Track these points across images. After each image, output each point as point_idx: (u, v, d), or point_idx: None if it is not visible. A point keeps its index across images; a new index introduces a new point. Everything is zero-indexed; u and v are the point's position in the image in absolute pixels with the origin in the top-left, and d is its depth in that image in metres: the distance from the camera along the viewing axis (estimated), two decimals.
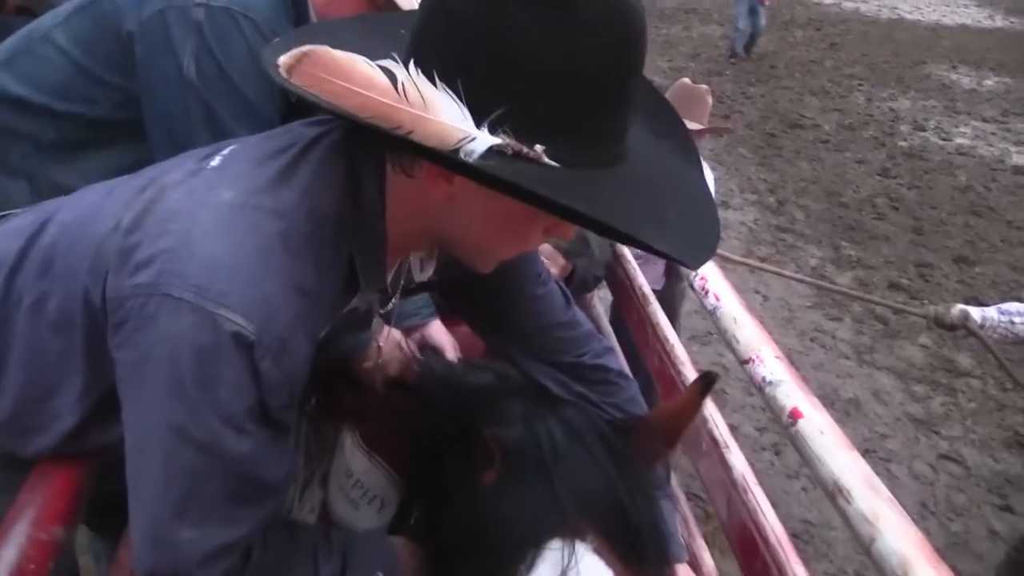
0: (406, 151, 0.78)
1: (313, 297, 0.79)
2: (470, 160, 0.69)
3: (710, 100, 3.11)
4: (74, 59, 1.37)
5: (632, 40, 0.74)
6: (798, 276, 4.03)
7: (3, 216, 1.07)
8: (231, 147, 0.88)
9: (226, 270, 0.74)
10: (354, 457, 1.41)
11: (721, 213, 6.51)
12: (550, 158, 0.72)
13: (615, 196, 0.75)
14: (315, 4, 1.43)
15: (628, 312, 1.99)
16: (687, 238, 0.78)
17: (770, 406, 1.21)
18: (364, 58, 0.72)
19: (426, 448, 1.03)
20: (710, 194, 0.89)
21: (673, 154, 0.86)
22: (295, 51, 0.72)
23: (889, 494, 1.03)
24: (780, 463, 3.76)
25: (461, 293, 1.13)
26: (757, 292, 5.27)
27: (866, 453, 3.82)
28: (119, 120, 1.41)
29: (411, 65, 0.71)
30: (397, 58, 0.72)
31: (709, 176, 3.11)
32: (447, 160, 0.71)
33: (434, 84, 0.70)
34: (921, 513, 3.52)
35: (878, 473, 3.91)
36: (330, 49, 0.72)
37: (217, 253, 0.74)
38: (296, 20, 1.42)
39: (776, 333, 4.73)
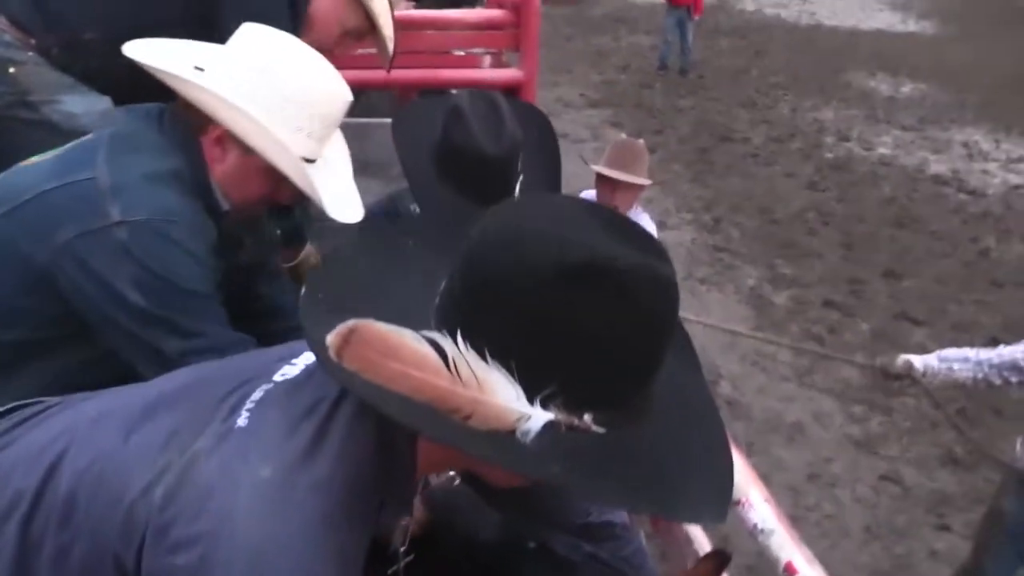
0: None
1: (353, 556, 0.79)
2: (527, 440, 0.71)
3: (647, 156, 3.23)
4: None
5: (673, 312, 0.77)
6: (762, 336, 4.12)
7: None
8: (256, 396, 0.86)
9: (271, 559, 0.73)
10: None
11: (659, 234, 6.61)
12: (597, 424, 0.74)
13: (645, 469, 0.77)
14: (219, 183, 1.36)
15: None
16: (707, 491, 0.81)
17: (765, 555, 1.24)
18: (410, 332, 0.73)
19: None
20: (719, 419, 0.91)
21: (680, 367, 0.89)
22: (341, 330, 0.72)
23: None
24: None
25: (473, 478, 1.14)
26: (698, 315, 5.38)
27: (811, 479, 3.97)
28: (42, 338, 1.29)
29: (459, 339, 0.73)
30: (443, 331, 0.74)
31: (652, 228, 3.21)
32: (495, 453, 0.72)
33: (486, 361, 0.72)
34: (866, 537, 3.65)
35: (824, 498, 4.09)
36: (374, 324, 0.72)
37: (261, 540, 0.73)
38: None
39: (719, 358, 4.88)
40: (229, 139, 1.29)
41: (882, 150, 9.14)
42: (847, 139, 9.43)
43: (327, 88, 1.35)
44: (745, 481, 1.24)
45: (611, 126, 9.09)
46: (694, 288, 5.79)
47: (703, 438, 0.85)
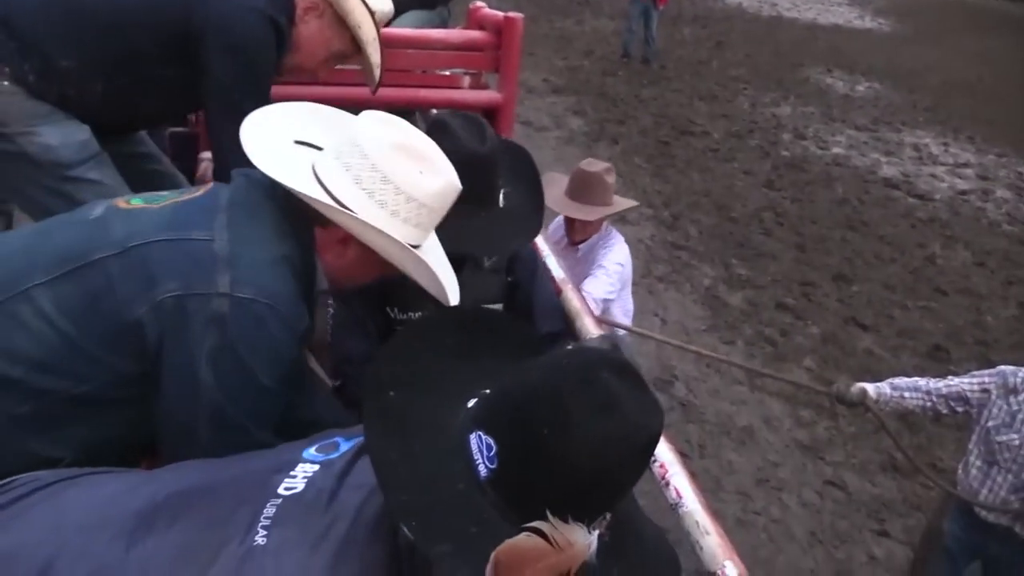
0: None
1: None
2: (594, 560, 0.85)
3: (611, 179, 3.24)
4: (63, 331, 1.19)
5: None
6: (722, 357, 4.21)
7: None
8: (268, 512, 0.91)
9: None
10: None
11: (620, 228, 6.70)
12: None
13: None
14: (330, 271, 1.38)
15: None
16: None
17: None
18: (524, 533, 0.83)
19: None
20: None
21: None
22: (491, 569, 0.80)
23: None
24: None
25: None
26: (656, 315, 5.49)
27: (760, 484, 4.11)
28: (109, 398, 1.24)
29: (551, 518, 0.85)
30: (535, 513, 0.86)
31: (624, 250, 3.26)
32: None
33: (567, 523, 0.85)
34: (810, 541, 3.81)
35: (771, 503, 4.23)
36: (505, 545, 0.81)
37: None
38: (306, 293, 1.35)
39: (675, 358, 4.99)
40: (352, 239, 1.31)
41: (836, 150, 9.35)
42: (803, 137, 9.62)
43: (447, 185, 1.37)
44: (721, 551, 1.30)
45: (574, 114, 9.13)
46: (652, 286, 5.89)
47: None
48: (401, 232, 1.31)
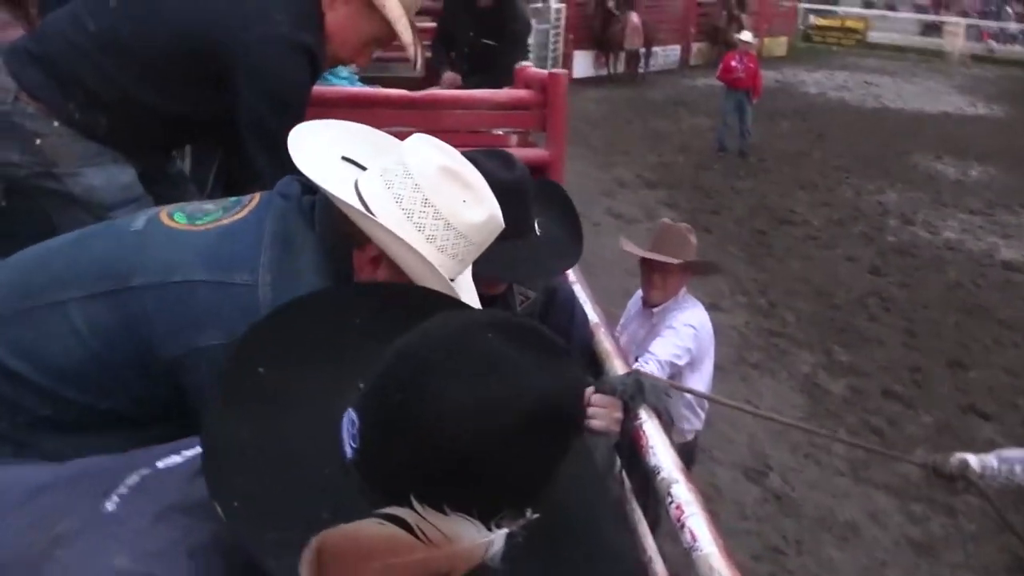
0: None
1: None
2: (496, 564, 0.75)
3: (693, 239, 3.11)
4: (93, 349, 1.19)
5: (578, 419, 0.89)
6: (789, 421, 3.93)
7: None
8: (131, 481, 0.82)
9: None
10: None
11: (712, 316, 6.46)
12: (533, 512, 0.81)
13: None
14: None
15: None
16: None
17: None
18: (373, 520, 0.71)
19: None
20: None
21: None
22: (308, 558, 0.68)
23: None
24: None
25: None
26: (749, 401, 5.18)
27: None
28: (132, 415, 1.23)
29: (417, 506, 0.73)
30: (395, 499, 0.73)
31: (701, 314, 3.07)
32: None
33: (446, 514, 0.73)
34: None
35: None
36: (336, 531, 0.70)
37: None
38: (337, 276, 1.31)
39: (769, 448, 4.67)
40: (386, 258, 1.25)
41: (948, 234, 8.88)
42: (911, 223, 9.19)
43: (489, 218, 1.31)
44: None
45: (666, 207, 9.03)
46: (746, 374, 5.60)
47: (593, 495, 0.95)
48: (436, 259, 1.22)
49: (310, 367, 0.90)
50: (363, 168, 1.35)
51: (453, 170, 1.27)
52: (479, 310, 1.26)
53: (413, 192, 1.24)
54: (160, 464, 0.85)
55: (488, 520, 0.75)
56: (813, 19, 26.90)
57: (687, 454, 3.14)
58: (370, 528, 0.70)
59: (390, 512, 0.71)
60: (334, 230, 1.26)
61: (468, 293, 1.45)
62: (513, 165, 1.70)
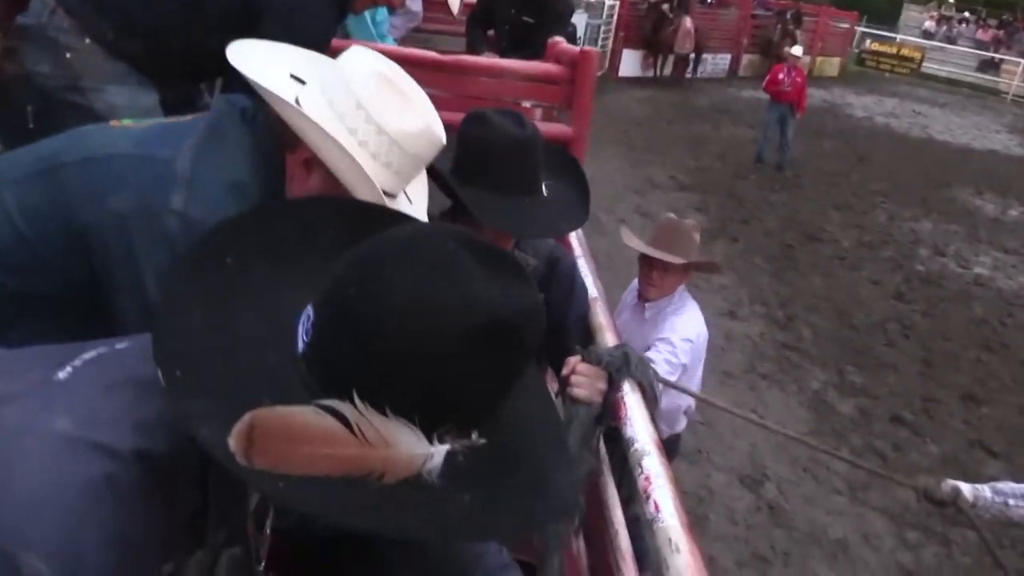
0: None
1: (138, 542, 0.72)
2: (433, 478, 0.74)
3: (697, 237, 3.02)
4: (19, 230, 1.20)
5: (539, 332, 0.83)
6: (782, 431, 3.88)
7: None
8: (88, 355, 0.81)
9: (40, 514, 0.67)
10: None
11: (727, 323, 6.44)
12: (479, 436, 0.80)
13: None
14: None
15: None
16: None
17: None
18: (308, 408, 0.71)
19: None
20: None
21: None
22: (240, 429, 0.68)
23: None
24: None
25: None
26: (754, 411, 5.13)
27: None
28: (58, 301, 1.24)
29: (358, 403, 0.72)
30: (336, 394, 0.73)
31: (697, 317, 3.01)
32: (417, 526, 0.74)
33: (387, 416, 0.72)
34: None
35: None
36: (270, 412, 0.69)
37: (34, 493, 0.68)
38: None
39: (768, 459, 4.62)
40: (316, 163, 1.25)
41: (979, 270, 8.72)
42: (943, 254, 9.04)
43: (424, 128, 1.30)
44: (688, 572, 1.08)
45: (696, 211, 8.95)
46: (754, 383, 5.54)
47: (550, 439, 0.95)
48: (368, 166, 1.21)
49: (279, 267, 0.89)
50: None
51: (388, 77, 1.27)
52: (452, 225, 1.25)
53: (346, 96, 1.24)
54: (118, 346, 0.85)
55: (430, 432, 0.74)
56: (869, 43, 26.56)
57: (670, 448, 3.12)
58: (306, 415, 0.70)
59: (330, 404, 0.71)
60: (269, 131, 1.26)
61: (417, 216, 1.43)
62: (524, 123, 1.69)
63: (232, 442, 0.67)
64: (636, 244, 2.97)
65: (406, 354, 0.73)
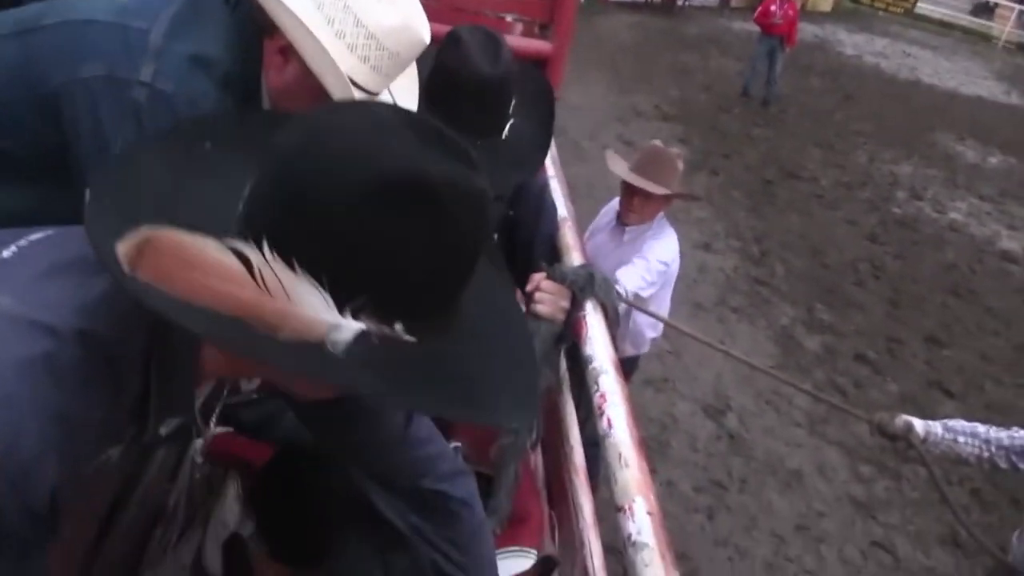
0: None
1: (77, 423, 0.71)
2: (337, 351, 0.69)
3: (680, 165, 3.01)
4: None
5: (485, 226, 0.77)
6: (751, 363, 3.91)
7: None
8: (35, 236, 0.78)
9: None
10: (232, 510, 1.38)
11: (701, 255, 6.46)
12: (408, 334, 0.73)
13: (457, 375, 0.77)
14: (271, 90, 1.31)
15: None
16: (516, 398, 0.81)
17: (627, 573, 1.07)
18: (213, 240, 0.67)
19: None
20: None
21: (488, 280, 0.87)
22: (134, 238, 0.64)
23: None
24: (711, 528, 3.68)
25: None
26: (721, 342, 5.18)
27: (799, 530, 3.77)
28: (29, 162, 1.24)
29: (266, 249, 0.68)
30: (248, 239, 0.69)
31: (673, 244, 3.01)
32: (301, 362, 0.69)
33: (294, 271, 0.68)
34: None
35: (808, 552, 3.83)
36: (171, 232, 0.66)
37: None
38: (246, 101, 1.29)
39: (732, 390, 4.69)
40: (293, 52, 1.23)
41: (954, 215, 8.78)
42: (920, 198, 9.08)
43: (406, 25, 1.27)
44: (636, 486, 1.09)
45: (679, 142, 8.87)
46: (723, 315, 5.59)
47: (511, 349, 0.87)
48: (346, 61, 1.19)
49: (240, 149, 0.86)
50: None
51: None
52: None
53: None
54: (68, 229, 0.82)
55: (342, 302, 0.70)
56: None
57: (628, 367, 3.17)
58: (207, 245, 0.67)
59: (236, 244, 0.68)
60: (250, 15, 1.24)
61: None
62: (498, 59, 1.62)
63: (120, 247, 0.65)
64: (620, 170, 2.95)
65: (314, 201, 0.69)
